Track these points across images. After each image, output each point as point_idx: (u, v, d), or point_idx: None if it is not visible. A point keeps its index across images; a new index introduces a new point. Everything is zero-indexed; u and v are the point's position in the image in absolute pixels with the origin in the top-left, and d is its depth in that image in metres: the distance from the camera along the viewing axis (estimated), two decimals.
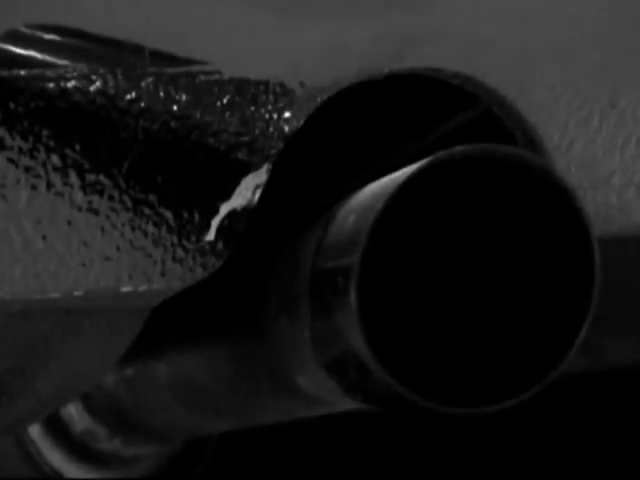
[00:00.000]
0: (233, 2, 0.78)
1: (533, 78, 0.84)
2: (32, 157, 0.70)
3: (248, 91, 0.74)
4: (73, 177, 0.72)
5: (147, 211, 0.72)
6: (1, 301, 0.77)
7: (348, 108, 0.75)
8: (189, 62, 0.76)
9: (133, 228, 0.72)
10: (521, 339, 0.73)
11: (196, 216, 0.74)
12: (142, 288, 0.73)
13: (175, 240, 0.72)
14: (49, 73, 0.72)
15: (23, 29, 0.71)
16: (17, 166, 0.69)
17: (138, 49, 0.73)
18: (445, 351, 0.74)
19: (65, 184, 0.71)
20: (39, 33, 0.72)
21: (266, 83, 0.75)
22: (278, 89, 0.76)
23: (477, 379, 0.72)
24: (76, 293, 0.72)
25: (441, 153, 0.70)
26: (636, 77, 0.91)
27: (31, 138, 0.70)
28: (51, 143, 0.71)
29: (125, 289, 0.72)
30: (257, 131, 0.73)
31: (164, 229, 0.72)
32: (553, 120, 0.82)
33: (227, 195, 0.73)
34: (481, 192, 0.72)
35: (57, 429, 0.86)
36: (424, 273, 0.73)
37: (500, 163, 0.71)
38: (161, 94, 0.76)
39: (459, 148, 0.70)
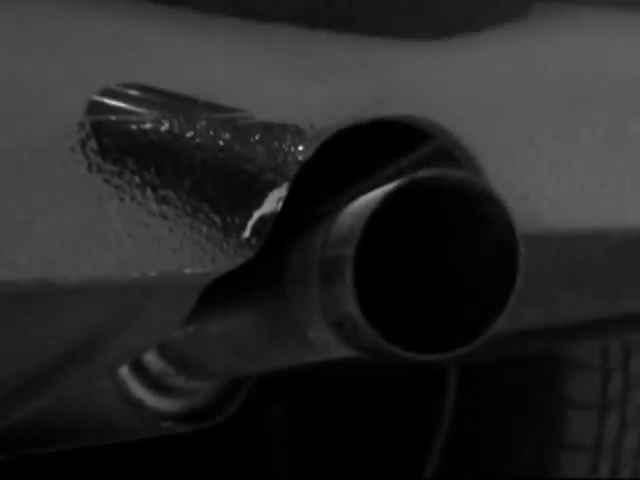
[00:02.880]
0: (262, 71, 0.76)
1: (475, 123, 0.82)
2: (120, 177, 0.71)
3: (273, 131, 0.75)
4: (149, 192, 0.72)
5: (202, 216, 0.73)
6: (99, 280, 0.73)
7: (345, 143, 0.76)
8: (231, 110, 0.77)
9: (192, 228, 0.73)
10: (468, 304, 0.74)
11: (236, 220, 0.73)
12: (199, 271, 0.74)
13: (221, 237, 0.73)
14: (132, 118, 0.73)
15: (114, 87, 0.72)
16: (109, 184, 0.70)
17: (194, 100, 0.75)
18: (414, 314, 0.75)
19: (143, 197, 0.72)
20: (125, 90, 0.73)
21: (285, 126, 0.76)
22: (294, 129, 0.76)
23: (437, 336, 0.74)
24: (151, 273, 0.73)
25: (412, 175, 0.71)
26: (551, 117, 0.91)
27: (119, 164, 0.71)
28: (133, 168, 0.72)
29: (187, 271, 0.73)
30: (279, 159, 0.74)
31: (214, 229, 0.73)
32: (488, 151, 0.81)
33: (259, 204, 0.73)
34: (441, 201, 0.73)
35: (139, 369, 0.87)
36: (400, 258, 0.75)
37: (453, 182, 0.73)
38: (211, 133, 0.75)
39: (425, 171, 0.72)
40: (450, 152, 0.80)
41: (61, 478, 1.66)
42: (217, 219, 0.73)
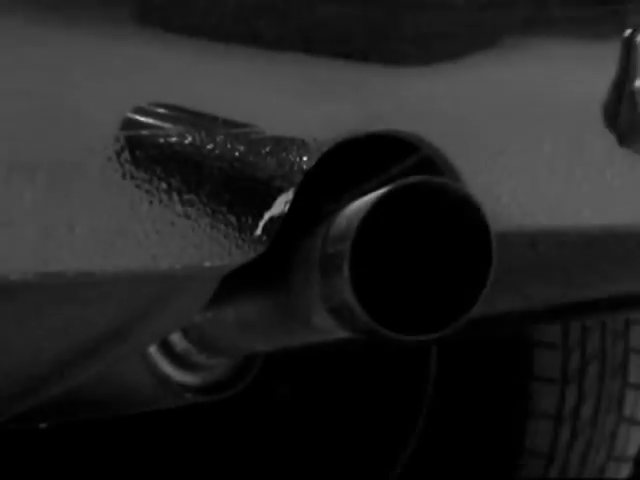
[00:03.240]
0: (273, 94, 0.76)
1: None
2: (150, 184, 0.71)
3: (281, 144, 0.74)
4: (175, 196, 0.73)
5: (220, 217, 0.73)
6: (132, 272, 0.73)
7: (344, 154, 0.76)
8: (245, 126, 0.75)
9: (211, 227, 0.73)
10: (450, 292, 0.74)
11: (249, 220, 0.73)
12: (217, 263, 0.74)
13: (237, 234, 0.73)
14: (160, 132, 0.73)
15: (145, 106, 0.72)
16: (141, 189, 0.71)
17: (214, 117, 0.74)
18: (403, 301, 0.74)
19: (170, 200, 0.72)
20: (154, 108, 0.73)
21: (292, 139, 0.75)
22: (299, 143, 0.75)
23: (423, 320, 0.73)
24: (177, 266, 0.73)
25: (400, 181, 0.72)
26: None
27: (149, 172, 0.71)
28: (161, 175, 0.72)
29: (207, 264, 0.73)
30: (286, 168, 0.74)
31: (230, 228, 0.73)
32: (465, 161, 0.81)
33: (268, 207, 0.73)
34: (425, 203, 0.73)
35: (166, 348, 0.87)
36: (391, 253, 0.74)
37: (435, 187, 0.73)
38: (228, 145, 0.74)
39: (412, 178, 0.73)
40: (433, 162, 0.79)
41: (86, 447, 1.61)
42: (233, 219, 0.73)
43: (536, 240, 0.88)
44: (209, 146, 0.73)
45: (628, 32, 0.86)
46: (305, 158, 0.74)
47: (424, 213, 0.74)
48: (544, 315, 1.28)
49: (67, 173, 0.71)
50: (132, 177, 0.71)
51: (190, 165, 0.73)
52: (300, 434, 1.63)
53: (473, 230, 0.74)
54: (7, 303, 0.73)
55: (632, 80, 0.85)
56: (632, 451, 1.56)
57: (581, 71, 0.87)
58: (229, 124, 0.75)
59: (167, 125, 0.74)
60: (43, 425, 1.12)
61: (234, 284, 0.76)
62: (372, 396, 1.60)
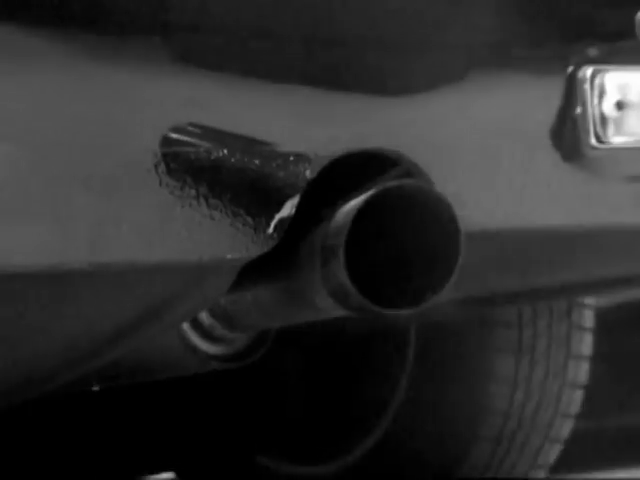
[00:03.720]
0: (283, 118, 0.76)
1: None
2: (182, 190, 0.71)
3: (289, 157, 0.74)
4: (202, 201, 0.72)
5: (239, 218, 0.73)
6: (168, 262, 0.73)
7: (340, 166, 0.76)
8: (260, 143, 0.75)
9: (232, 226, 0.73)
10: (425, 276, 0.74)
11: (263, 220, 0.73)
12: (236, 256, 0.74)
13: (253, 232, 0.73)
14: (190, 149, 0.73)
15: (178, 125, 0.73)
16: (174, 195, 0.71)
17: (237, 136, 0.74)
18: (387, 283, 0.74)
19: (198, 204, 0.72)
20: (185, 128, 0.73)
21: (299, 154, 0.74)
22: (304, 156, 0.74)
23: (402, 300, 0.74)
24: (204, 258, 0.73)
25: (384, 184, 0.73)
26: None
27: (181, 181, 0.72)
28: (191, 184, 0.72)
29: (228, 256, 0.74)
30: (293, 178, 0.73)
31: (247, 226, 0.73)
32: (437, 172, 0.80)
33: (278, 209, 0.73)
34: (405, 202, 0.73)
35: (195, 324, 0.86)
36: (378, 244, 0.74)
37: (413, 189, 0.74)
38: (246, 159, 0.74)
39: (392, 182, 0.74)
40: (411, 173, 0.79)
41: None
42: (249, 220, 0.72)
43: (495, 236, 0.87)
44: (233, 159, 0.73)
45: (570, 69, 0.84)
46: (308, 170, 0.74)
47: (404, 211, 0.73)
48: (502, 299, 1.27)
49: (113, 183, 0.70)
50: (167, 185, 0.72)
51: (215, 175, 0.73)
52: (305, 394, 1.60)
53: (444, 225, 0.73)
54: (69, 288, 0.73)
55: (574, 108, 0.85)
56: (574, 409, 1.54)
57: (531, 100, 0.86)
58: (247, 141, 0.74)
59: (197, 142, 0.74)
60: (91, 388, 1.10)
61: (251, 272, 0.76)
62: (365, 366, 1.57)
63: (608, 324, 1.71)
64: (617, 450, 2.24)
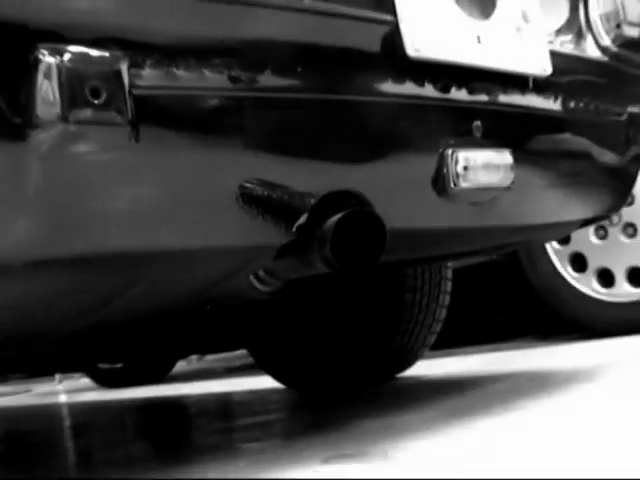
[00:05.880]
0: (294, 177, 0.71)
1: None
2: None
3: (305, 193, 0.71)
4: (260, 215, 0.68)
5: (280, 223, 0.71)
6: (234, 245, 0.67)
7: (328, 198, 0.73)
8: (289, 187, 0.70)
9: (276, 227, 0.71)
10: (371, 250, 0.73)
11: (291, 224, 0.71)
12: (278, 242, 0.72)
13: (285, 230, 0.71)
14: (259, 188, 0.68)
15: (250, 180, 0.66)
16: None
17: (280, 185, 0.69)
18: (353, 258, 0.72)
19: (263, 219, 0.69)
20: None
21: (309, 192, 0.71)
22: (311, 193, 0.72)
23: (360, 262, 0.73)
24: (261, 244, 0.71)
25: (351, 209, 0.72)
26: None
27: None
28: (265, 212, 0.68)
29: (275, 242, 0.72)
30: (306, 203, 0.71)
31: (283, 227, 0.71)
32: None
33: (298, 218, 0.71)
34: (361, 218, 0.73)
35: (257, 276, 0.81)
36: (348, 237, 0.72)
37: (366, 212, 0.74)
38: (285, 195, 0.70)
39: (357, 207, 0.74)
40: (365, 201, 0.77)
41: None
42: (283, 224, 0.71)
43: (406, 234, 0.84)
44: (273, 194, 0.70)
45: (441, 150, 0.82)
46: (313, 199, 0.71)
47: (360, 222, 0.73)
48: (410, 263, 1.32)
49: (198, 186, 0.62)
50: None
51: (267, 204, 0.69)
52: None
53: (379, 230, 0.73)
54: (169, 264, 0.66)
55: (442, 168, 0.82)
56: (442, 317, 1.60)
57: (423, 167, 0.83)
58: (284, 187, 0.70)
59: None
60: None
61: (284, 249, 0.74)
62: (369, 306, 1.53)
63: (460, 276, 1.72)
64: (468, 340, 2.29)
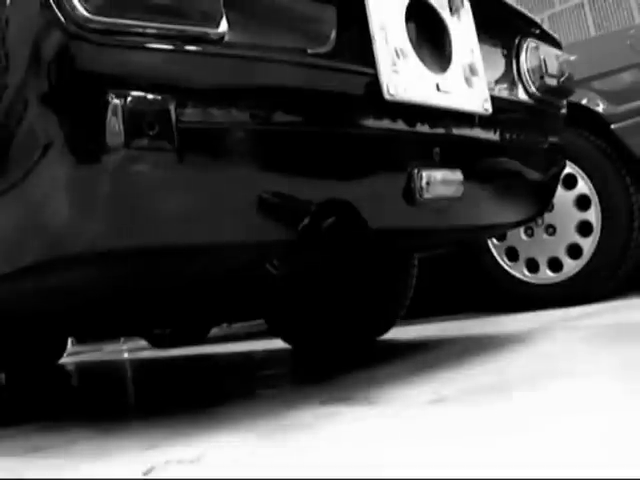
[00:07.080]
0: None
1: None
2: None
3: (307, 202, 0.69)
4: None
5: (291, 224, 0.68)
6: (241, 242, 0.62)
7: (324, 204, 0.71)
8: (298, 196, 0.67)
9: (285, 226, 0.68)
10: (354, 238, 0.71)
11: (297, 224, 0.69)
12: (289, 238, 0.69)
13: (294, 229, 0.69)
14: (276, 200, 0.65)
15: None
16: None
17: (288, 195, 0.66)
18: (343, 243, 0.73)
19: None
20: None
21: (310, 199, 0.70)
22: (311, 200, 0.70)
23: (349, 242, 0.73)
24: (276, 239, 0.67)
25: (340, 214, 0.71)
26: None
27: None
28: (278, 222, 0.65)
29: (286, 238, 0.69)
30: (307, 209, 0.69)
31: (292, 226, 0.69)
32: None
33: (303, 220, 0.69)
34: (348, 219, 0.72)
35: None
36: (339, 232, 0.72)
37: (354, 217, 0.73)
38: (292, 203, 0.66)
39: (345, 213, 0.72)
40: (352, 207, 0.73)
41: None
42: (290, 225, 0.68)
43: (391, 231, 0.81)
44: (285, 201, 0.66)
45: (409, 170, 0.79)
46: (313, 206, 0.69)
47: (349, 224, 0.74)
48: (391, 253, 1.24)
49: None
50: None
51: (281, 208, 0.65)
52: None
53: (363, 228, 0.75)
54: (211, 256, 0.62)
55: (414, 184, 0.78)
56: (410, 289, 1.48)
57: (394, 181, 0.79)
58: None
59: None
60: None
61: (294, 246, 0.70)
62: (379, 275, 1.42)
63: (425, 264, 1.71)
64: (430, 312, 2.23)
